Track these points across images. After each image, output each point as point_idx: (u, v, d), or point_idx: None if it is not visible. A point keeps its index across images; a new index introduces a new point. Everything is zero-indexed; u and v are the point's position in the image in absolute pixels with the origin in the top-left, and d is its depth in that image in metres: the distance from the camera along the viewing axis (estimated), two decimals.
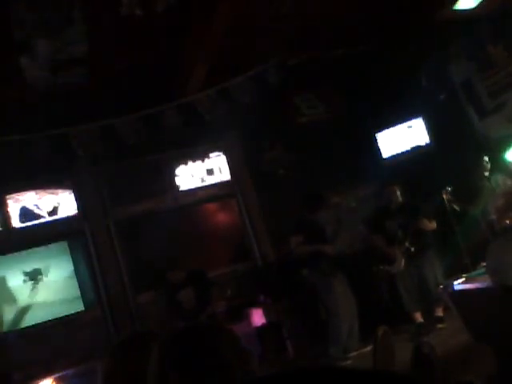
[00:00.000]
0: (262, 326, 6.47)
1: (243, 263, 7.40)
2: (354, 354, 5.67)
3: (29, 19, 4.60)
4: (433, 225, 6.02)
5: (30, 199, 6.61)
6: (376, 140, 7.69)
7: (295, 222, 6.21)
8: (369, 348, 5.37)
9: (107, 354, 1.83)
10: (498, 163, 6.39)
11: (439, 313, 5.78)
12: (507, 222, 5.77)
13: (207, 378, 1.30)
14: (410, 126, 7.55)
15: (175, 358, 1.34)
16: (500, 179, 6.18)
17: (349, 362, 5.56)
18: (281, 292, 6.59)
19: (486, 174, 6.24)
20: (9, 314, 6.43)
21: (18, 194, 6.58)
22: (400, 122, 7.58)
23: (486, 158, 6.28)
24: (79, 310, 6.63)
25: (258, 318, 6.66)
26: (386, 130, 7.66)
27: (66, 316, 6.53)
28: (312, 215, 5.99)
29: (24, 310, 6.47)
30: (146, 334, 1.83)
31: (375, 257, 6.22)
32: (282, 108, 7.68)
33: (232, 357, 1.34)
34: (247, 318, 6.66)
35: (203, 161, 7.49)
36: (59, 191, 6.78)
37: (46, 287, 6.65)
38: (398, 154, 7.59)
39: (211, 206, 7.75)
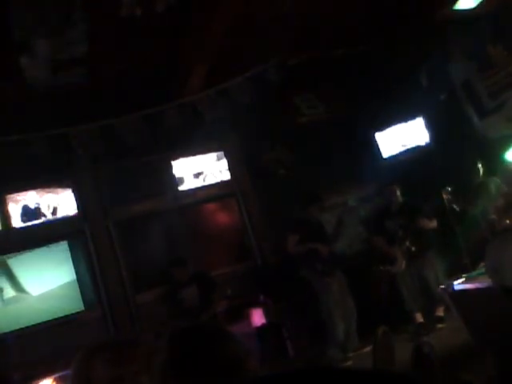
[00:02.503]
0: (262, 326, 6.47)
1: (243, 263, 7.40)
2: (353, 354, 5.66)
3: (29, 19, 4.60)
4: (433, 223, 6.02)
5: (30, 199, 6.61)
6: (376, 140, 7.69)
7: (292, 220, 6.22)
8: (368, 348, 5.38)
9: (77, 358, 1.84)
10: (496, 165, 6.40)
11: (440, 313, 5.78)
12: (507, 221, 5.77)
13: (207, 378, 1.31)
14: (409, 126, 7.55)
15: (176, 357, 1.34)
16: (498, 182, 6.18)
17: (349, 362, 5.55)
18: (281, 292, 6.59)
19: (480, 177, 6.26)
20: (9, 314, 6.43)
21: (18, 193, 6.58)
22: (400, 122, 7.57)
23: (480, 163, 6.30)
24: (79, 310, 6.63)
25: (257, 318, 6.65)
26: (386, 130, 7.66)
27: (66, 316, 6.53)
28: (309, 214, 6.01)
29: (24, 310, 6.47)
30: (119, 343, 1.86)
31: (375, 257, 6.22)
32: (281, 108, 7.68)
33: (232, 357, 1.35)
34: (247, 318, 6.65)
35: (203, 161, 7.49)
36: (59, 191, 6.78)
37: (46, 287, 6.64)
38: (397, 154, 7.59)
39: (211, 206, 7.74)
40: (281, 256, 6.77)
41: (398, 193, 6.12)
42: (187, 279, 5.96)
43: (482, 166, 6.29)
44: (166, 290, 6.11)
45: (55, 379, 5.68)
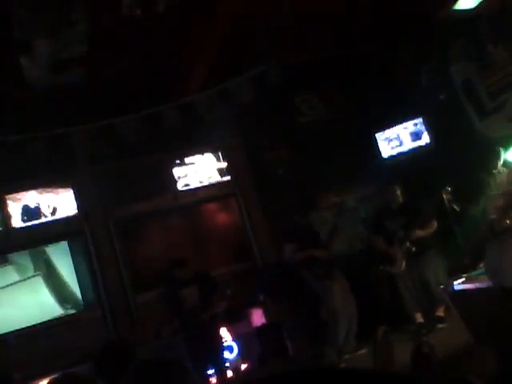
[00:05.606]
0: (262, 326, 6.47)
1: (243, 263, 7.39)
2: (350, 356, 5.63)
3: (29, 19, 4.61)
4: (433, 225, 6.01)
5: (30, 199, 6.61)
6: (376, 140, 7.69)
7: (289, 228, 6.19)
8: (364, 350, 5.36)
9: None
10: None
11: (440, 313, 5.77)
12: (507, 221, 5.77)
13: None
14: (409, 126, 7.55)
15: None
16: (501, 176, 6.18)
17: (342, 365, 5.51)
18: (281, 292, 6.59)
19: (499, 166, 6.22)
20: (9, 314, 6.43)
21: (18, 193, 6.58)
22: (400, 122, 7.57)
23: (502, 151, 6.25)
24: (79, 310, 6.63)
25: (257, 318, 6.66)
26: (387, 130, 7.66)
27: (66, 316, 6.53)
28: (305, 219, 5.98)
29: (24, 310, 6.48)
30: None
31: (375, 257, 6.22)
32: (281, 108, 7.68)
33: None
34: (247, 318, 6.66)
35: (203, 161, 7.49)
36: (59, 191, 6.78)
37: (46, 287, 6.64)
38: (398, 154, 7.59)
39: (211, 206, 7.74)
40: (281, 256, 6.77)
41: (398, 193, 6.11)
42: (188, 279, 5.94)
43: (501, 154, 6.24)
44: (167, 289, 6.09)
45: None
